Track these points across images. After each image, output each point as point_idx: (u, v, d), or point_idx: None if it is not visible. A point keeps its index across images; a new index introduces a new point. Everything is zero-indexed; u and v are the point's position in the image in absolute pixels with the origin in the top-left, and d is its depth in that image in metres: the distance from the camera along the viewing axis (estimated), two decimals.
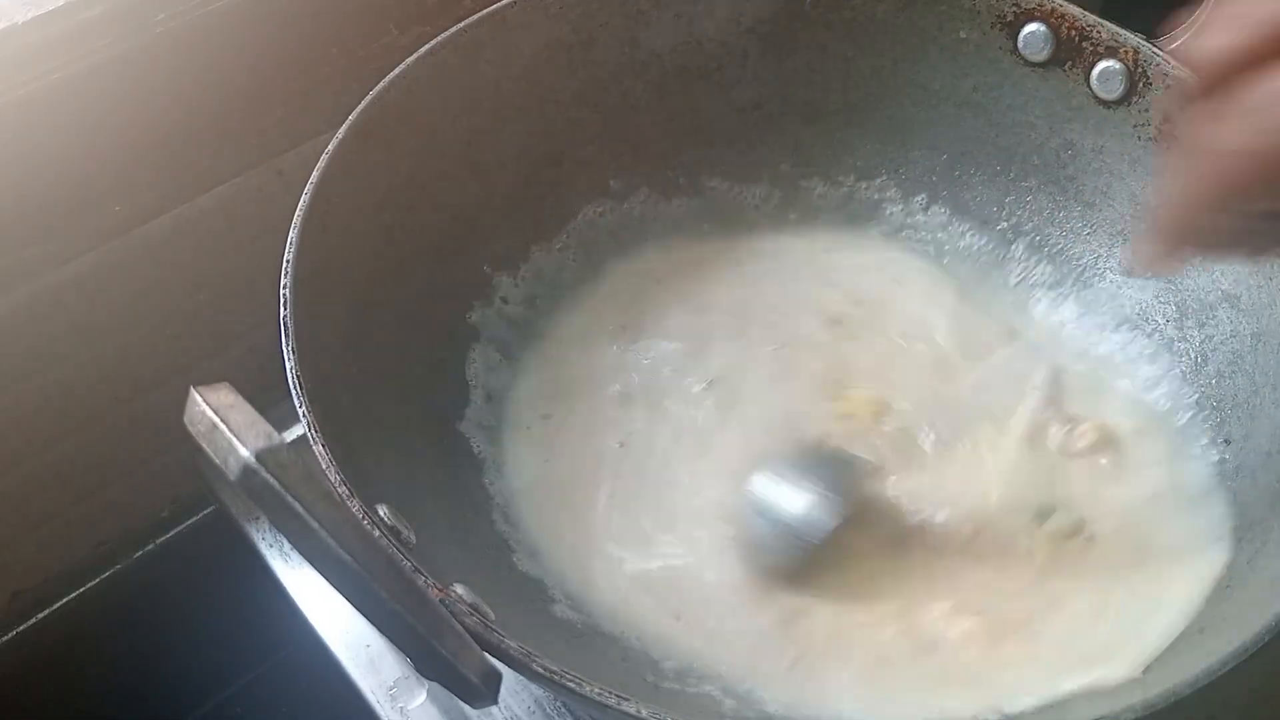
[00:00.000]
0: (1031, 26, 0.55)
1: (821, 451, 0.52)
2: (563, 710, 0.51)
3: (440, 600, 0.34)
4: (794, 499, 0.48)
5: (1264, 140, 0.26)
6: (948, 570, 0.48)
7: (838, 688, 0.45)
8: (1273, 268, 0.50)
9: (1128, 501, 0.51)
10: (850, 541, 0.48)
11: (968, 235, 0.61)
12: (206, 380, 0.31)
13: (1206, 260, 0.52)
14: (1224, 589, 0.44)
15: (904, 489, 0.51)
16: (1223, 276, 0.52)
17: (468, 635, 0.34)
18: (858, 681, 0.46)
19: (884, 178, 0.62)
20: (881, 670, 0.46)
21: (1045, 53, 0.55)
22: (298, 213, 0.45)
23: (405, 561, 0.35)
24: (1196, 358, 0.53)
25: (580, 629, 0.47)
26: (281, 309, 0.42)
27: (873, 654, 0.46)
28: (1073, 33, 0.54)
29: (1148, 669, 0.42)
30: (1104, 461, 0.52)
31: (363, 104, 0.50)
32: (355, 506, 0.37)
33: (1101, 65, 0.54)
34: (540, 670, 0.35)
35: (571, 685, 0.35)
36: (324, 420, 0.40)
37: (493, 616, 0.36)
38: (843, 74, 0.60)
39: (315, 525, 0.30)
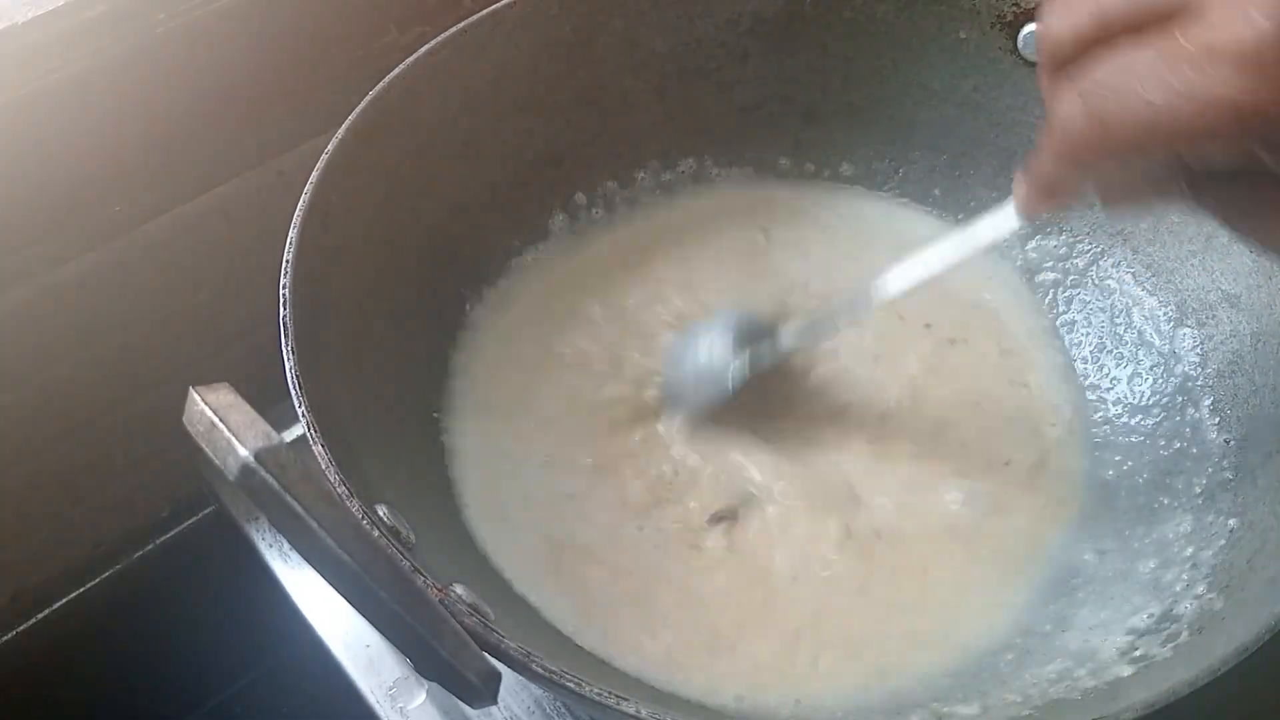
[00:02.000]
0: (1031, 26, 0.55)
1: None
2: (563, 710, 0.51)
3: (440, 600, 0.34)
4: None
5: (1097, 117, 0.31)
6: None
7: None
8: (1272, 267, 0.50)
9: None
10: None
11: None
12: (206, 380, 0.31)
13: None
14: (1224, 588, 0.44)
15: None
16: (1223, 276, 0.52)
17: (467, 635, 0.33)
18: None
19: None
20: None
21: None
22: (298, 213, 0.45)
23: (405, 561, 0.35)
24: (1196, 358, 0.53)
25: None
26: (281, 309, 0.42)
27: None
28: None
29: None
30: None
31: (363, 104, 0.50)
32: (355, 506, 0.37)
33: None
34: (540, 670, 0.35)
35: (571, 685, 0.35)
36: (324, 420, 0.40)
37: (493, 616, 0.36)
38: (843, 74, 0.60)
39: (315, 525, 0.30)
